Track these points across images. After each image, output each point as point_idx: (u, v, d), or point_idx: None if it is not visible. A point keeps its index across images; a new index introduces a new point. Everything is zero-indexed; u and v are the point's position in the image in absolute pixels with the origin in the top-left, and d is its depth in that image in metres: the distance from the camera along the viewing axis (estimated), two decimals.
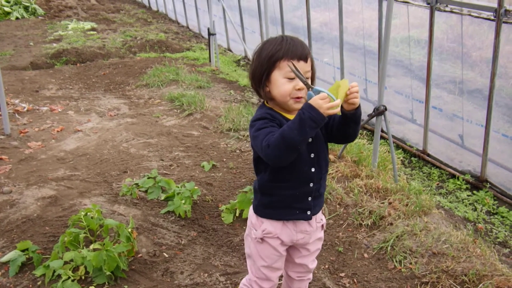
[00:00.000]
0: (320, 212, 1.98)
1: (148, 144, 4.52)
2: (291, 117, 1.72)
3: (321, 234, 2.03)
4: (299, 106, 1.67)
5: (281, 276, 2.15)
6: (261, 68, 1.73)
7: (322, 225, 2.02)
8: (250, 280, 2.04)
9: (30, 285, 2.58)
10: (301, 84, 1.67)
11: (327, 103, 1.53)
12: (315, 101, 1.54)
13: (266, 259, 1.94)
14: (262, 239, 1.90)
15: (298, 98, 1.71)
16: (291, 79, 1.69)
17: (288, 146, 1.58)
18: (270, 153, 1.62)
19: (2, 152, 4.31)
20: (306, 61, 1.71)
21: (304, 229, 1.92)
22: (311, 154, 1.80)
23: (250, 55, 8.57)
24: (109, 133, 4.84)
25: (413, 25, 5.33)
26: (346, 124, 1.76)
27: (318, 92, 1.56)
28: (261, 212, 1.91)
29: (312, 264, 2.07)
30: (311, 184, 1.84)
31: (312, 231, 1.95)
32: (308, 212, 1.88)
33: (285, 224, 1.89)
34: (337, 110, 1.57)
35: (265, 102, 1.82)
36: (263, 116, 1.74)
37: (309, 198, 1.86)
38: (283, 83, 1.69)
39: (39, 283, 2.59)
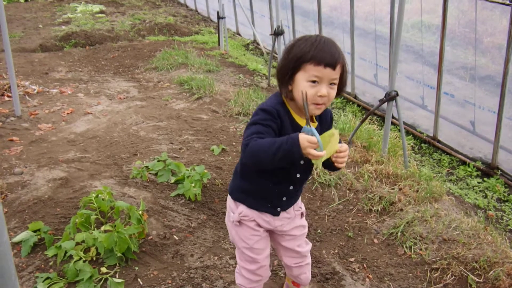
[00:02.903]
0: (299, 200, 1.99)
1: (157, 127, 4.52)
2: (301, 121, 1.73)
3: (301, 222, 2.03)
4: (318, 112, 1.69)
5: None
6: (287, 66, 1.67)
7: (302, 213, 2.03)
8: (238, 267, 2.05)
9: (42, 265, 2.61)
10: (323, 91, 1.62)
11: (312, 148, 1.50)
12: (303, 140, 1.50)
13: (247, 241, 1.93)
14: (239, 221, 1.91)
15: (318, 104, 1.66)
16: (314, 82, 1.63)
17: (257, 161, 1.62)
18: (243, 155, 1.65)
19: (13, 134, 4.34)
20: (334, 68, 1.62)
21: (282, 216, 1.93)
22: (301, 161, 1.76)
23: (259, 39, 8.50)
24: (119, 116, 4.84)
25: (425, 10, 5.24)
26: (330, 167, 1.74)
27: (311, 133, 1.51)
28: (235, 195, 1.91)
29: (302, 248, 2.06)
30: (291, 187, 1.85)
31: (291, 218, 1.97)
32: (278, 209, 1.89)
33: (261, 212, 1.90)
34: (318, 162, 1.54)
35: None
36: (268, 110, 1.68)
37: (284, 198, 1.88)
38: (305, 86, 1.62)
39: (51, 263, 2.62)
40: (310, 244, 2.12)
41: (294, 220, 1.98)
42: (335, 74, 1.64)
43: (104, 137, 4.30)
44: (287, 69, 1.67)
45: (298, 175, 1.82)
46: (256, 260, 1.96)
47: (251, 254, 1.95)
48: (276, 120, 1.68)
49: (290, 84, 1.69)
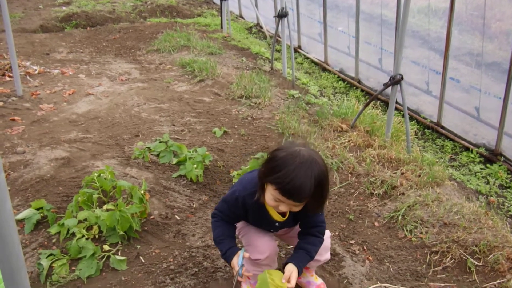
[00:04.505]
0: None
1: (159, 109, 4.50)
2: (275, 214, 1.95)
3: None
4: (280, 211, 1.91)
5: None
6: (264, 175, 1.78)
7: None
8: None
9: (45, 242, 2.62)
10: (283, 209, 1.77)
11: (234, 268, 1.90)
12: (232, 263, 1.92)
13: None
14: None
15: (280, 211, 1.85)
16: (278, 201, 1.76)
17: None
18: (212, 221, 2.06)
19: (14, 113, 4.33)
20: (297, 201, 1.72)
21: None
22: (271, 230, 2.09)
23: (262, 22, 8.41)
24: (121, 97, 4.82)
25: None
26: None
27: (239, 260, 1.91)
28: None
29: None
30: (272, 230, 2.10)
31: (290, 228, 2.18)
32: (271, 230, 2.11)
33: None
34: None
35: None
36: (238, 198, 1.93)
37: (271, 230, 2.11)
38: (271, 198, 1.78)
39: (53, 240, 2.64)
40: (328, 254, 2.25)
41: (293, 229, 2.15)
42: (296, 205, 1.76)
43: (106, 118, 4.29)
44: (262, 178, 1.80)
45: (272, 230, 2.08)
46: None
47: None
48: (240, 209, 1.95)
49: (264, 189, 1.83)
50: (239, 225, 2.14)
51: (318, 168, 1.70)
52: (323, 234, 2.02)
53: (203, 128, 4.11)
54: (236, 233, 2.14)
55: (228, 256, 1.94)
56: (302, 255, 1.95)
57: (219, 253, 2.05)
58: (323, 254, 2.17)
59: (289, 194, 1.69)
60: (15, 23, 8.13)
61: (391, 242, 2.82)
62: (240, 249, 1.95)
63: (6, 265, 0.87)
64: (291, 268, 1.87)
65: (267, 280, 1.83)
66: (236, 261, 1.91)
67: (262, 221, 2.00)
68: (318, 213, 1.96)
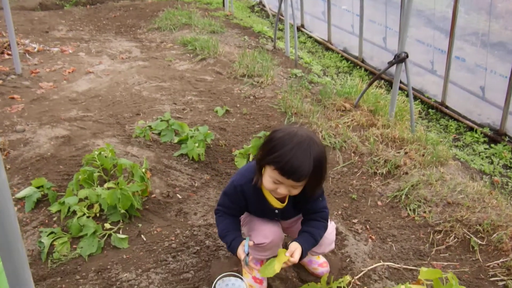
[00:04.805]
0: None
1: (160, 87, 4.44)
2: (272, 199, 1.92)
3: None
4: (282, 196, 1.89)
5: None
6: (260, 158, 1.78)
7: None
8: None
9: (46, 221, 2.61)
10: (282, 191, 1.76)
11: (240, 258, 1.89)
12: (238, 252, 1.91)
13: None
14: None
15: (278, 195, 1.86)
16: (277, 183, 1.74)
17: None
18: (215, 218, 2.06)
19: (14, 91, 4.28)
20: (298, 181, 1.70)
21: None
22: (275, 218, 2.05)
23: (264, 0, 8.26)
24: (121, 75, 4.76)
25: None
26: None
27: (244, 247, 1.90)
28: None
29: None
30: (276, 218, 2.07)
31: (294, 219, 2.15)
32: (276, 218, 2.07)
33: None
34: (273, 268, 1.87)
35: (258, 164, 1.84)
36: (237, 188, 1.92)
37: (275, 218, 2.08)
38: (269, 180, 1.76)
39: (54, 218, 2.62)
40: (333, 245, 2.20)
41: (298, 221, 2.11)
42: (298, 184, 1.73)
43: (106, 96, 4.24)
44: (260, 161, 1.79)
45: (275, 218, 2.05)
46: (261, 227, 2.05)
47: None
48: (240, 199, 1.94)
49: (261, 173, 1.81)
50: (242, 216, 2.13)
51: (316, 147, 1.69)
52: (326, 219, 2.01)
53: (204, 107, 4.06)
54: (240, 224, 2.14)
55: (233, 246, 1.94)
56: (306, 236, 1.94)
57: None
58: (327, 246, 2.15)
59: (288, 174, 1.67)
60: (13, 0, 8.01)
61: (394, 221, 2.81)
62: (245, 239, 1.93)
63: (1, 237, 0.84)
64: (295, 245, 1.86)
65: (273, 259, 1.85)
66: (242, 250, 1.89)
67: (262, 209, 1.99)
68: (319, 199, 1.95)
